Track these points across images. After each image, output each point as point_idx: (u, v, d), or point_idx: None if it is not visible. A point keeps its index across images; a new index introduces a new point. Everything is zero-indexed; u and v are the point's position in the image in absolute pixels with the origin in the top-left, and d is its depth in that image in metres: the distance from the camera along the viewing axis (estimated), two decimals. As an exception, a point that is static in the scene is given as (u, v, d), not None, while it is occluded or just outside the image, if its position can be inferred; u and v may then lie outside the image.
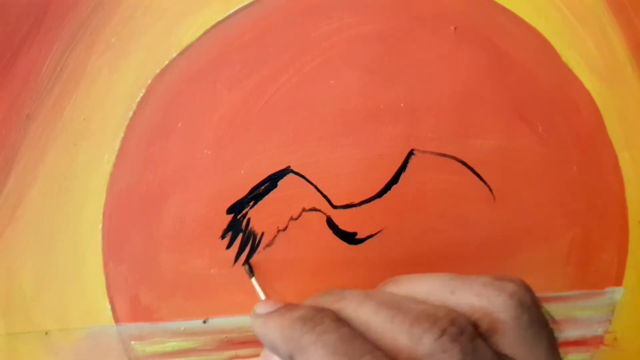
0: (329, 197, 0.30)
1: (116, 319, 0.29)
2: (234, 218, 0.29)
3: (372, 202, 0.30)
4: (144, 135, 0.29)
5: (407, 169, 0.30)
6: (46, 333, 0.29)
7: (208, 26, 0.28)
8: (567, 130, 0.31)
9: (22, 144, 0.28)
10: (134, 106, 0.28)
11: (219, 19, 0.28)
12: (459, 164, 0.30)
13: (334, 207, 0.30)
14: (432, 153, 0.30)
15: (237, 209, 0.29)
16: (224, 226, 0.29)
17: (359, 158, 0.30)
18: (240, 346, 0.30)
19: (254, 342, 0.30)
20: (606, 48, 0.31)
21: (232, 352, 0.30)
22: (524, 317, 0.19)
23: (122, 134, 0.29)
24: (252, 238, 0.29)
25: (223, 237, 0.29)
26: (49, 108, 0.28)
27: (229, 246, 0.29)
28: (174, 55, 0.28)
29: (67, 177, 0.28)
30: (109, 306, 0.29)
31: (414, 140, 0.30)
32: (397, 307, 0.19)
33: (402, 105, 0.30)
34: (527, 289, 0.20)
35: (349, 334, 0.19)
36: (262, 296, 0.28)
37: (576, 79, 0.31)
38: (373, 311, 0.20)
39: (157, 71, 0.28)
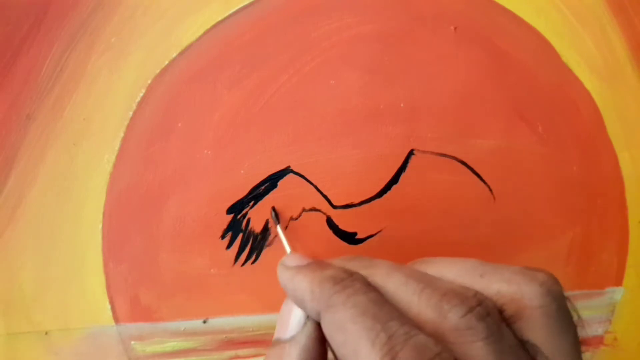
0: (329, 197, 0.29)
1: (116, 319, 0.29)
2: (234, 218, 0.29)
3: (372, 202, 0.30)
4: (144, 135, 0.29)
5: (407, 169, 0.30)
6: (46, 333, 0.29)
7: (208, 26, 0.28)
8: (567, 130, 0.31)
9: (22, 144, 0.28)
10: (134, 106, 0.28)
11: (219, 19, 0.28)
12: (459, 164, 0.30)
13: (334, 207, 0.30)
14: (432, 153, 0.30)
15: (237, 209, 0.29)
16: (224, 226, 0.29)
17: (359, 158, 0.30)
18: (240, 346, 0.30)
19: (254, 342, 0.30)
20: (606, 48, 0.31)
21: (232, 352, 0.30)
22: (552, 306, 0.19)
23: (122, 134, 0.29)
24: (252, 238, 0.29)
25: (223, 237, 0.29)
26: (49, 108, 0.28)
27: (229, 246, 0.29)
28: (174, 55, 0.28)
29: (67, 177, 0.28)
30: (109, 306, 0.29)
31: (414, 140, 0.30)
32: (426, 281, 0.20)
33: (402, 105, 0.30)
34: (557, 281, 0.20)
35: (378, 299, 0.19)
36: (288, 248, 0.27)
37: (576, 79, 0.31)
38: (402, 282, 0.20)
39: (157, 71, 0.28)
